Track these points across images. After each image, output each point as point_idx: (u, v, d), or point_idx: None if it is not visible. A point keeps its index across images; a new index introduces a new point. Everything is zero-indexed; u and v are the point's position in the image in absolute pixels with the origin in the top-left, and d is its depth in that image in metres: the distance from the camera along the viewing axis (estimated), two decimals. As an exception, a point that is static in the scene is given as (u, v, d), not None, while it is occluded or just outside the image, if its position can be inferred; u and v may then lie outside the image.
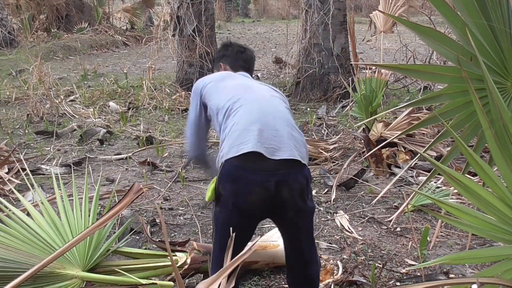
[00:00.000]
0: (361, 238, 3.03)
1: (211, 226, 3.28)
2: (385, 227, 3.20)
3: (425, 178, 3.88)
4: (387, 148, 4.38)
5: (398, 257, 2.82)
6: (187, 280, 2.46)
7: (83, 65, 8.50)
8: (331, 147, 4.64)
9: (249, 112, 1.88)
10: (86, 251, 2.16)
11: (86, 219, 2.30)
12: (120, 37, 12.73)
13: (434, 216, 3.14)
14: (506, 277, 1.43)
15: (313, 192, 3.71)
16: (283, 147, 1.81)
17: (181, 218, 3.37)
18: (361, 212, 3.43)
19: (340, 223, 3.22)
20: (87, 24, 12.56)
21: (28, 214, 2.28)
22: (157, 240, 2.71)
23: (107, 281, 2.12)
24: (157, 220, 3.26)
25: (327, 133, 5.26)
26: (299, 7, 7.33)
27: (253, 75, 2.41)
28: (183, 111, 6.19)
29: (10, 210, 2.27)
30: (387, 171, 4.13)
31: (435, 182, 3.58)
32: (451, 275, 2.56)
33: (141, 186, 2.14)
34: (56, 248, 2.10)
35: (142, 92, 6.72)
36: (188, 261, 2.43)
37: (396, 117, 5.02)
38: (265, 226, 3.11)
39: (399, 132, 4.61)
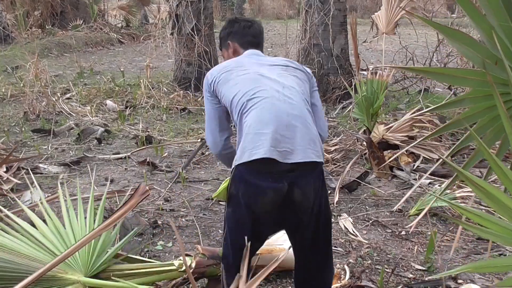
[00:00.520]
0: (366, 241, 3.00)
1: (213, 229, 3.27)
2: (390, 231, 3.17)
3: (428, 181, 3.86)
4: (389, 151, 4.36)
5: (405, 262, 2.79)
6: (190, 285, 2.41)
7: (78, 63, 8.40)
8: (332, 148, 4.61)
9: (261, 112, 1.81)
10: (90, 255, 2.11)
11: (90, 221, 2.24)
12: (115, 35, 12.65)
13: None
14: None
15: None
16: (296, 150, 1.77)
17: (183, 220, 3.31)
18: (365, 215, 3.39)
19: (344, 226, 3.19)
20: (82, 21, 12.45)
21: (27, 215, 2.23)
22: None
23: (110, 287, 2.07)
24: (159, 222, 3.21)
25: (327, 134, 5.22)
26: (295, 7, 7.29)
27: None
28: (181, 111, 6.13)
29: (10, 211, 2.21)
30: (389, 174, 4.10)
31: (439, 185, 3.56)
32: (459, 281, 2.54)
33: (147, 187, 2.10)
34: (59, 251, 2.04)
35: (139, 90, 6.65)
36: (193, 265, 2.37)
37: (396, 119, 4.99)
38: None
39: (400, 134, 4.60)
